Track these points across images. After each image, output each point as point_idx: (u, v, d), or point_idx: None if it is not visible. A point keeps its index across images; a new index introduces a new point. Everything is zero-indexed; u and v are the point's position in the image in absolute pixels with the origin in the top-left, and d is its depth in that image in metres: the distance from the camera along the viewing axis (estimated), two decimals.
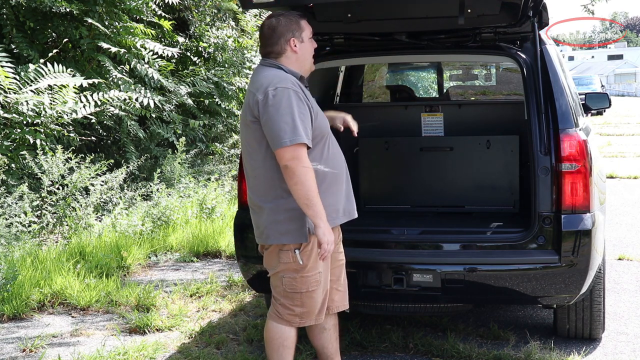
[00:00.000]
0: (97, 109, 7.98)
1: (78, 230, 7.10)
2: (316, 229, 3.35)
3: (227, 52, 11.25)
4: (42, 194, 7.20)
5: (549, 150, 4.08)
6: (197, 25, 11.39)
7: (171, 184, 8.84)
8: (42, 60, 7.70)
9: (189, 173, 9.34)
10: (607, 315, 5.01)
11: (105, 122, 8.90)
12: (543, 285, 4.09)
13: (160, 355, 4.60)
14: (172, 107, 9.82)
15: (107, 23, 8.83)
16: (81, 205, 7.33)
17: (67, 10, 8.13)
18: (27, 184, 6.99)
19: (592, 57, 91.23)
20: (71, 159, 7.47)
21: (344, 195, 3.59)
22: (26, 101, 7.21)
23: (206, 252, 7.31)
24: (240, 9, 11.34)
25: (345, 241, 3.89)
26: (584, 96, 6.24)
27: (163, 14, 10.13)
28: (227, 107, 10.92)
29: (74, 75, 7.73)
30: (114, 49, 8.53)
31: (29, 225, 6.77)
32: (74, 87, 7.58)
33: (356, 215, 3.68)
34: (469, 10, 4.06)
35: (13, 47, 8.13)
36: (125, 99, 8.49)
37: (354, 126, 4.02)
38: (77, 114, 7.64)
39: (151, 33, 9.49)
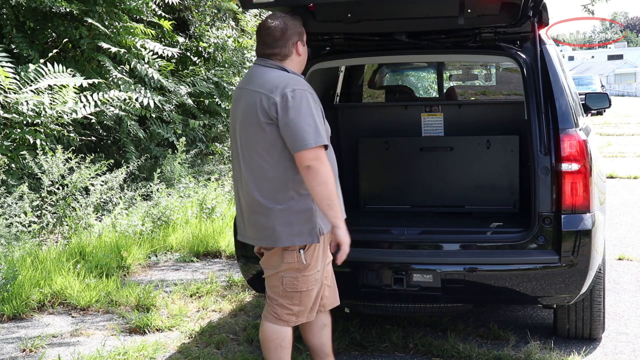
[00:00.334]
0: (97, 109, 7.98)
1: (78, 230, 7.10)
2: (337, 230, 3.38)
3: (227, 52, 11.25)
4: (42, 194, 7.20)
5: (549, 150, 4.08)
6: (197, 25, 11.39)
7: (171, 184, 8.83)
8: (42, 60, 7.70)
9: (189, 173, 9.34)
10: (607, 315, 5.01)
11: (105, 122, 8.90)
12: (543, 285, 4.09)
13: (160, 355, 4.60)
14: (172, 107, 9.82)
15: (107, 23, 8.83)
16: (81, 205, 7.33)
17: (67, 10, 8.13)
18: (27, 184, 6.99)
19: (592, 57, 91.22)
20: (71, 159, 7.47)
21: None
22: (26, 101, 7.21)
23: (206, 252, 7.31)
24: (240, 9, 11.34)
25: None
26: (584, 96, 6.24)
27: (163, 14, 10.14)
28: (227, 107, 10.92)
29: (74, 75, 7.73)
30: (114, 49, 8.53)
31: (29, 225, 6.77)
32: (74, 87, 7.58)
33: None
34: (469, 10, 4.06)
35: (13, 47, 8.13)
36: (125, 99, 8.49)
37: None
38: (77, 114, 7.64)
39: (151, 33, 9.49)
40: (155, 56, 9.31)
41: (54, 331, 5.04)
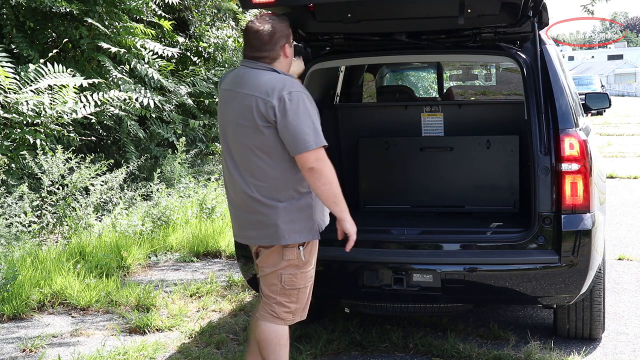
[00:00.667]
0: (97, 109, 7.98)
1: (78, 230, 7.10)
2: (344, 223, 3.47)
3: (227, 52, 11.25)
4: (42, 194, 7.20)
5: (549, 150, 4.08)
6: (197, 25, 11.39)
7: (171, 184, 8.84)
8: (42, 60, 7.71)
9: (189, 173, 9.34)
10: (607, 315, 5.01)
11: (105, 122, 8.90)
12: (543, 285, 4.09)
13: (160, 355, 4.60)
14: (172, 107, 9.82)
15: (107, 23, 8.84)
16: (81, 205, 7.33)
17: (67, 10, 8.13)
18: (27, 184, 6.99)
19: (592, 57, 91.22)
20: (71, 159, 7.47)
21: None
22: (26, 101, 7.21)
23: (206, 252, 7.31)
24: (240, 9, 11.35)
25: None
26: (584, 96, 6.24)
27: (163, 14, 10.14)
28: None
29: (74, 75, 7.73)
30: (114, 49, 8.53)
31: (29, 225, 6.77)
32: (74, 87, 7.58)
33: None
34: (469, 10, 4.06)
35: (13, 47, 8.13)
36: (125, 99, 8.49)
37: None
38: (77, 114, 7.64)
39: (151, 33, 9.49)
40: (155, 56, 9.31)
41: (54, 331, 5.04)
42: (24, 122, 7.27)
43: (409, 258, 4.29)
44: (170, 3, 10.02)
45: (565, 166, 4.02)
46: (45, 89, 7.44)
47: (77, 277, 5.90)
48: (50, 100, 7.43)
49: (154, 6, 9.91)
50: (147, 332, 5.01)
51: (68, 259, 6.27)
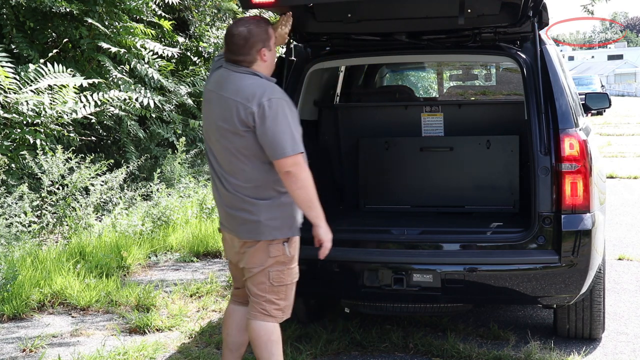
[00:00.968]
0: (97, 109, 7.98)
1: (78, 230, 7.10)
2: (318, 229, 3.50)
3: None
4: (42, 194, 7.20)
5: (549, 150, 4.08)
6: (197, 25, 11.39)
7: (171, 184, 8.84)
8: (42, 60, 7.71)
9: (189, 173, 9.34)
10: (607, 315, 5.01)
11: (105, 122, 8.91)
12: (543, 285, 4.09)
13: (160, 355, 4.60)
14: (172, 107, 9.82)
15: (107, 23, 8.84)
16: (81, 205, 7.33)
17: (67, 10, 8.13)
18: (27, 184, 6.99)
19: (592, 57, 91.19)
20: (71, 159, 7.47)
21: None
22: (26, 101, 7.21)
23: (206, 252, 7.31)
24: (240, 9, 11.34)
25: (345, 241, 3.89)
26: (584, 96, 6.24)
27: (163, 14, 10.14)
28: None
29: (74, 75, 7.73)
30: (114, 49, 8.53)
31: (29, 225, 6.77)
32: (74, 87, 7.58)
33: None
34: (469, 10, 4.07)
35: (13, 47, 8.13)
36: (125, 99, 8.49)
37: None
38: (77, 114, 7.64)
39: (151, 33, 9.49)
40: (155, 56, 9.31)
41: (54, 331, 5.04)
42: (24, 122, 7.27)
43: (409, 258, 4.29)
44: (170, 3, 10.02)
45: (565, 166, 4.02)
46: (45, 89, 7.44)
47: (77, 277, 5.90)
48: (50, 100, 7.42)
49: (154, 6, 9.91)
50: (147, 332, 5.01)
51: (68, 259, 6.27)
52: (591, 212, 4.06)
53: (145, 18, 9.66)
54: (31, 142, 7.28)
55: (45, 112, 7.32)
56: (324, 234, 3.51)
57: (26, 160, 7.23)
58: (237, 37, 3.51)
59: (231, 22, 12.14)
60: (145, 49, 9.16)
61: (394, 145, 5.63)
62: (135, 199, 8.09)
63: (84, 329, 5.08)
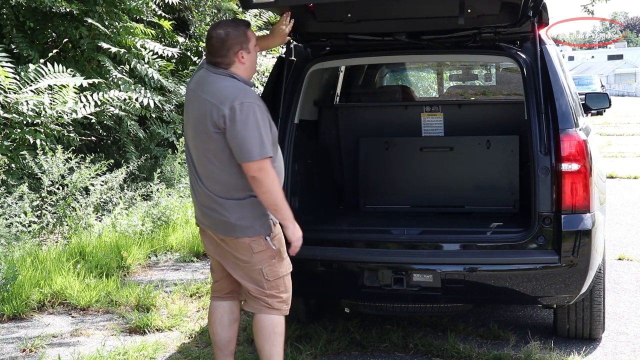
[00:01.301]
0: (97, 109, 7.98)
1: (78, 230, 7.11)
2: (286, 230, 3.60)
3: None
4: (42, 194, 7.20)
5: (549, 150, 4.08)
6: (197, 25, 11.39)
7: (171, 184, 8.84)
8: (42, 60, 7.70)
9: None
10: (607, 315, 5.01)
11: (105, 122, 8.90)
12: (543, 285, 4.09)
13: (160, 355, 4.60)
14: (172, 107, 9.82)
15: (107, 23, 8.83)
16: (81, 205, 7.33)
17: (67, 10, 8.13)
18: (27, 184, 6.99)
19: (592, 57, 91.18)
20: (71, 159, 7.47)
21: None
22: (26, 101, 7.21)
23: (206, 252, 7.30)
24: (240, 9, 11.34)
25: (345, 241, 3.89)
26: (584, 96, 6.24)
27: (163, 14, 10.14)
28: None
29: (74, 75, 7.73)
30: (114, 49, 8.53)
31: (29, 225, 6.77)
32: (74, 87, 7.58)
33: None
34: (469, 10, 4.07)
35: (13, 47, 8.13)
36: (125, 99, 8.49)
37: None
38: (77, 114, 7.64)
39: (151, 33, 9.49)
40: (155, 56, 9.31)
41: (54, 331, 5.04)
42: (24, 122, 7.27)
43: (409, 258, 4.30)
44: (170, 3, 10.02)
45: (565, 166, 4.02)
46: (45, 89, 7.44)
47: (77, 277, 5.90)
48: (50, 100, 7.42)
49: (154, 6, 9.91)
50: (147, 332, 5.01)
51: (68, 259, 6.27)
52: (591, 212, 4.06)
53: (145, 18, 9.66)
54: (31, 142, 7.28)
55: (45, 112, 7.32)
56: (291, 235, 3.59)
57: (26, 160, 7.23)
58: (215, 39, 3.58)
59: None
60: (145, 49, 9.16)
61: (394, 145, 5.63)
62: (135, 199, 8.09)
63: (84, 329, 5.08)
